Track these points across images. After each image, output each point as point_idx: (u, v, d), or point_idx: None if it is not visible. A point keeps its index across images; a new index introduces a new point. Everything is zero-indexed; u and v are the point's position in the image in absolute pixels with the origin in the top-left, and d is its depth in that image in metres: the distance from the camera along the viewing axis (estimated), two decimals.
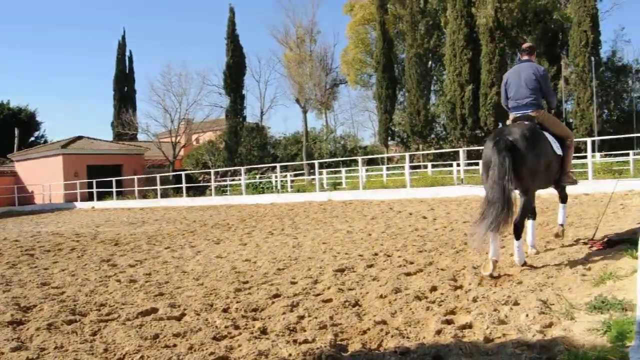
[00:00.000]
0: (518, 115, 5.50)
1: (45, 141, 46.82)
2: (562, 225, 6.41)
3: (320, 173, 26.99)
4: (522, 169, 4.86)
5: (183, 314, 4.37)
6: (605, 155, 23.39)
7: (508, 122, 5.70)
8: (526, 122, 5.32)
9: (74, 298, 5.22)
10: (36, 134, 49.27)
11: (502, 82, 5.81)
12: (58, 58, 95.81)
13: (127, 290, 5.45)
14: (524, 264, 5.15)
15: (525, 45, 5.85)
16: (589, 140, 15.30)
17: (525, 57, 5.71)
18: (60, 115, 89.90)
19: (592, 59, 31.15)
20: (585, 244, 5.89)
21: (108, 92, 67.85)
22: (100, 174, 32.30)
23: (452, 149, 27.31)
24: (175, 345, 3.59)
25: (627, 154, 22.73)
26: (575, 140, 7.75)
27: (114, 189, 28.34)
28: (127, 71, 50.79)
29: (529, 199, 5.12)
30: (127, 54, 50.97)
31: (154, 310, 4.53)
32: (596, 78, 31.49)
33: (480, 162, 5.62)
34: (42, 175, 33.71)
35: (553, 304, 3.79)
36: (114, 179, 28.84)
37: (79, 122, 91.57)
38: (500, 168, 4.71)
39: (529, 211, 5.31)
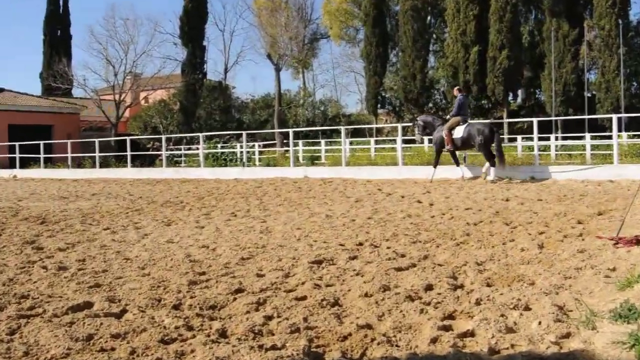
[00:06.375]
0: (464, 119, 15.34)
1: None
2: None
3: (296, 144, 26.90)
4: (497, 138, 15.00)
5: (124, 311, 4.30)
6: (634, 136, 23.74)
7: (456, 119, 15.32)
8: (473, 122, 16.46)
9: None
10: None
11: (457, 100, 15.76)
12: None
13: (55, 280, 5.34)
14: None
15: (459, 88, 16.76)
16: (614, 117, 15.47)
17: (464, 93, 16.40)
18: None
19: (620, 21, 31.47)
20: (610, 239, 5.96)
21: (37, 36, 66.35)
22: (25, 136, 31.67)
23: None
24: (113, 349, 3.52)
25: None
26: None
27: (42, 155, 27.88)
28: (60, 11, 49.42)
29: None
30: None
31: (88, 304, 4.45)
32: (624, 44, 31.86)
33: (475, 135, 14.84)
34: None
35: (571, 310, 3.83)
36: (42, 143, 28.30)
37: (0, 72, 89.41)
38: (497, 137, 14.89)
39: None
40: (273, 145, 33.21)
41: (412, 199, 11.55)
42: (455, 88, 16.71)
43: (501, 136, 16.35)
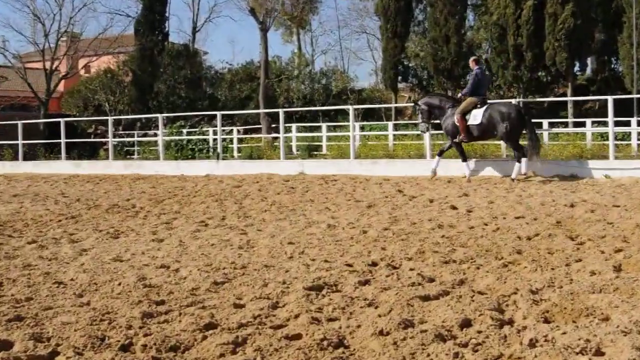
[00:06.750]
0: (482, 100, 15.65)
1: None
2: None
3: (288, 129, 26.89)
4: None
5: (55, 353, 4.29)
6: None
7: (471, 100, 15.50)
8: (495, 103, 17.19)
9: None
10: None
11: (472, 75, 16.08)
12: None
13: None
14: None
15: (476, 59, 16.89)
16: None
17: (481, 67, 16.88)
18: None
19: None
20: None
21: None
22: None
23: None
24: None
25: None
26: None
27: None
28: None
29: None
30: None
31: (7, 344, 4.44)
32: None
33: (498, 122, 15.15)
34: None
35: None
36: None
37: None
38: (530, 123, 15.81)
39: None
40: (258, 130, 33.22)
41: (444, 203, 11.56)
42: (472, 59, 17.12)
43: (564, 120, 17.57)
